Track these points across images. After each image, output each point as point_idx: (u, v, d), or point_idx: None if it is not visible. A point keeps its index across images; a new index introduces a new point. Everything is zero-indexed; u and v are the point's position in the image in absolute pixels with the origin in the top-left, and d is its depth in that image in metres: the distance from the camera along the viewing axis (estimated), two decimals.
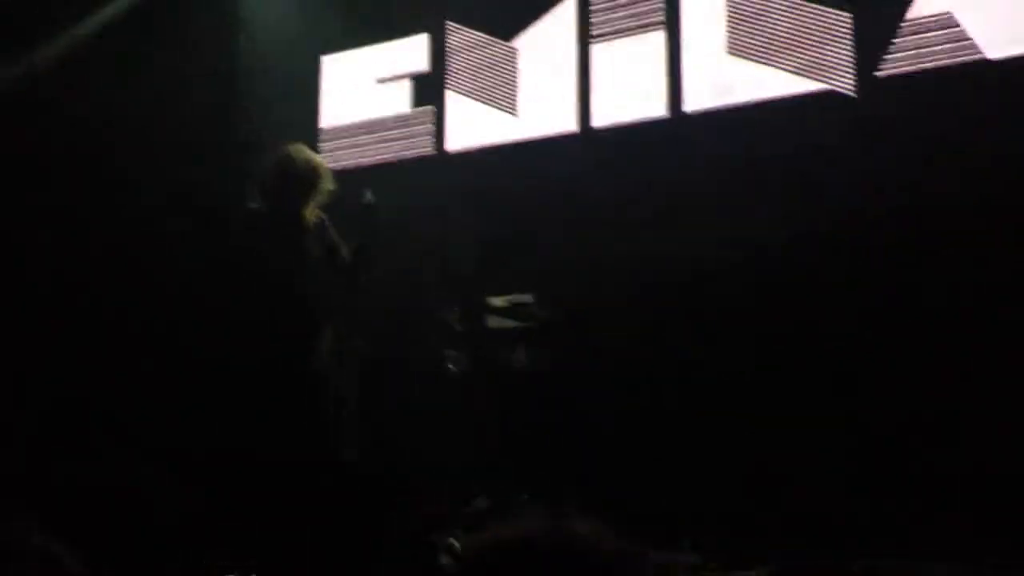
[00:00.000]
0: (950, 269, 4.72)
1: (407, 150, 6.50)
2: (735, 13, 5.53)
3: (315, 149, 5.61)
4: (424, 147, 6.46)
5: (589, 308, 5.48)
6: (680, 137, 5.60)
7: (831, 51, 5.26)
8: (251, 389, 4.47)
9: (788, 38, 5.39)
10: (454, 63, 6.45)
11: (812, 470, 4.78)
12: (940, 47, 4.97)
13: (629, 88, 5.79)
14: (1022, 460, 4.30)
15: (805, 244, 5.04)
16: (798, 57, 5.35)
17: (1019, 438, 4.33)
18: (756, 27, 5.47)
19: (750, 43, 5.48)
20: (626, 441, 5.18)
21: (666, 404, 5.18)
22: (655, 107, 5.70)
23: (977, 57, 4.88)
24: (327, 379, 4.58)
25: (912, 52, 5.04)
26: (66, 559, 1.21)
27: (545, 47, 6.11)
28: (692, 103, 5.61)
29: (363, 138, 6.66)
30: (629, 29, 5.86)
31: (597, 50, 5.95)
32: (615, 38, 5.90)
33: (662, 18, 5.76)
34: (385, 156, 6.56)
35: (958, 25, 4.93)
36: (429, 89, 6.50)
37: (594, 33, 5.98)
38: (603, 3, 5.97)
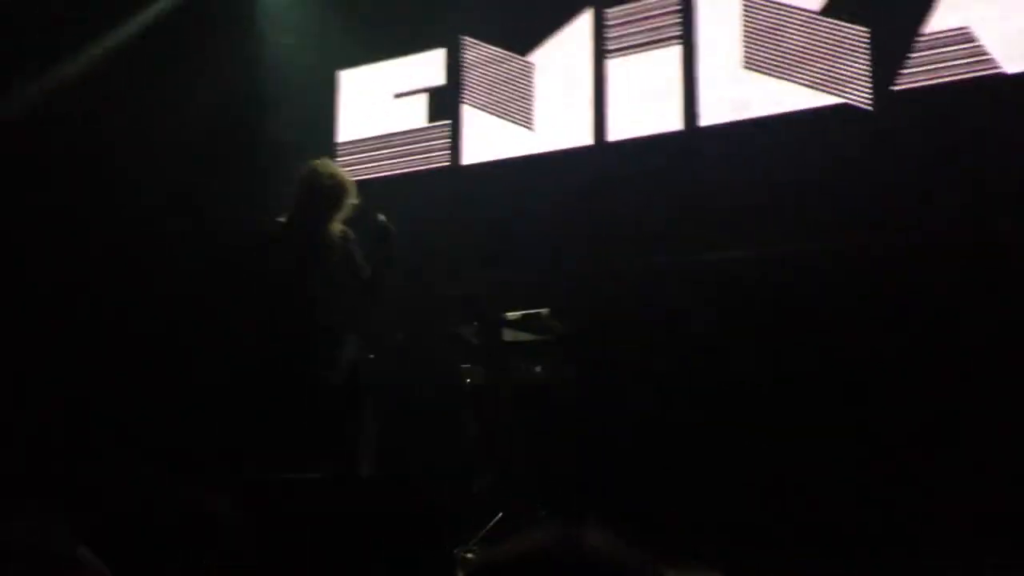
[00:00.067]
0: (966, 281, 4.71)
1: (423, 164, 6.54)
2: (751, 27, 5.54)
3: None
4: (441, 161, 6.50)
5: (605, 320, 5.49)
6: (695, 151, 5.61)
7: (847, 65, 5.26)
8: (271, 399, 4.50)
9: (804, 52, 5.39)
10: (470, 77, 6.49)
11: (827, 480, 4.77)
12: (957, 61, 4.96)
13: (645, 102, 5.81)
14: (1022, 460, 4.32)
15: (820, 257, 5.04)
16: (814, 71, 5.35)
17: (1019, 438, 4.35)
18: (772, 41, 5.48)
19: (766, 57, 5.49)
20: (642, 453, 5.18)
21: (682, 415, 5.18)
22: (671, 121, 5.71)
23: (994, 71, 4.87)
24: (346, 391, 4.60)
25: (929, 66, 5.04)
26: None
27: (561, 62, 6.14)
28: (708, 117, 5.62)
29: (380, 152, 6.71)
30: (645, 44, 5.88)
31: (613, 65, 5.98)
32: (631, 53, 5.92)
33: (678, 32, 5.78)
34: (402, 169, 6.60)
35: (975, 40, 4.93)
36: (445, 103, 6.54)
37: (610, 48, 6.00)
38: (619, 18, 5.99)
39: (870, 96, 5.18)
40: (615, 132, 5.91)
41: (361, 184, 4.91)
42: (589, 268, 5.66)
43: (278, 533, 3.75)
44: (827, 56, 5.32)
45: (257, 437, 4.51)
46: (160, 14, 6.53)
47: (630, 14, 5.95)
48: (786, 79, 5.41)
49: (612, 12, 6.01)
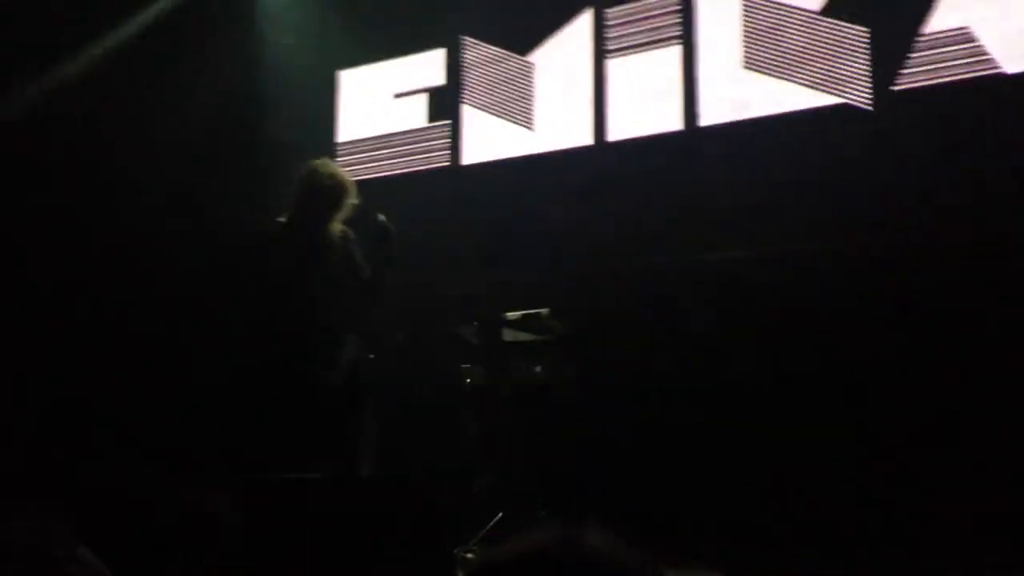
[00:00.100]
0: (966, 281, 4.71)
1: (423, 164, 6.54)
2: (751, 27, 5.54)
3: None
4: (441, 161, 6.50)
5: (605, 320, 5.49)
6: (695, 151, 5.61)
7: (847, 65, 5.26)
8: (271, 399, 4.51)
9: (804, 52, 5.39)
10: (470, 77, 6.49)
11: (827, 480, 4.78)
12: (957, 61, 4.96)
13: (645, 102, 5.81)
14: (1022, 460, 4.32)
15: (820, 257, 5.04)
16: (814, 71, 5.35)
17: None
18: (772, 41, 5.49)
19: (766, 57, 5.49)
20: (642, 453, 5.18)
21: (682, 415, 5.18)
22: (671, 121, 5.71)
23: (994, 71, 4.87)
24: (346, 391, 4.61)
25: (929, 66, 5.04)
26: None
27: (561, 62, 6.14)
28: (708, 117, 5.62)
29: (380, 152, 6.71)
30: (645, 44, 5.88)
31: (613, 65, 5.98)
32: (631, 53, 5.92)
33: (678, 33, 5.78)
34: (402, 169, 6.60)
35: (975, 40, 4.93)
36: (445, 103, 6.54)
37: (610, 48, 6.00)
38: (619, 18, 5.99)
39: (870, 96, 5.18)
40: (615, 132, 5.91)
41: (361, 184, 4.91)
42: (589, 268, 5.66)
43: (278, 533, 3.75)
44: (827, 56, 5.32)
45: (257, 437, 4.51)
46: (160, 14, 6.53)
47: (630, 14, 5.95)
48: (786, 79, 5.41)
49: (612, 12, 6.01)
